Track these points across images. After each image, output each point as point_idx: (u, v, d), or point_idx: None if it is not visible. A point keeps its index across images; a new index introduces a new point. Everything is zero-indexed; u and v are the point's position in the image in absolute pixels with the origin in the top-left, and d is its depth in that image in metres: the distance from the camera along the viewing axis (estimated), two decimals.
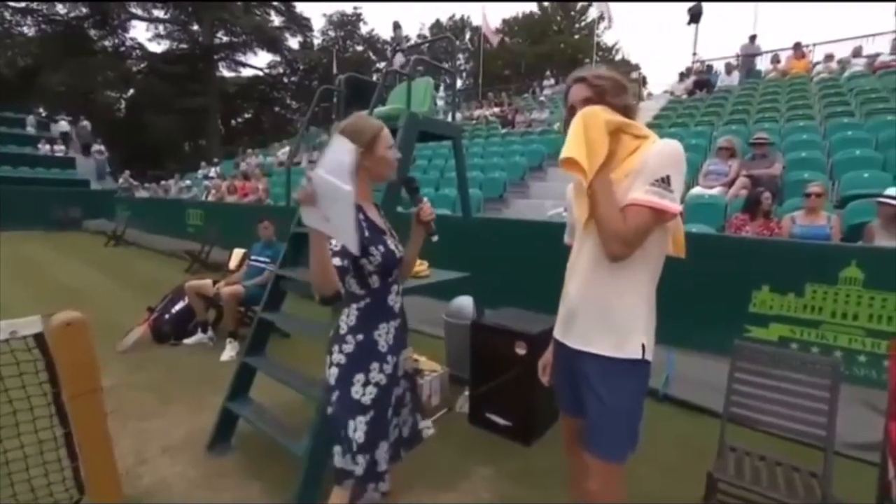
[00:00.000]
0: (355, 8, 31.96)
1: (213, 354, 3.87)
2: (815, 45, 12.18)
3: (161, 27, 26.37)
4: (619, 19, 16.70)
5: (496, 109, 13.15)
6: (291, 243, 2.50)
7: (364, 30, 32.62)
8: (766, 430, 1.94)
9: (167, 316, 4.17)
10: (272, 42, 28.71)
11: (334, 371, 1.39)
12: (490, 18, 17.37)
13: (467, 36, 32.50)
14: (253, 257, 4.33)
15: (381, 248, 1.39)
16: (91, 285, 6.62)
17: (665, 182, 1.18)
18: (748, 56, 11.76)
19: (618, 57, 30.30)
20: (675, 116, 9.31)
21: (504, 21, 31.70)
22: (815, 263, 3.23)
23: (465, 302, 3.26)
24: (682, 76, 11.88)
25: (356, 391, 1.37)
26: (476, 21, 27.11)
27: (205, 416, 2.73)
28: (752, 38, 11.89)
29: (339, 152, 1.12)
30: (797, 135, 6.75)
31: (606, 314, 1.31)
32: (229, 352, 3.82)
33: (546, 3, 32.01)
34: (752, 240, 3.71)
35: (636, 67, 28.24)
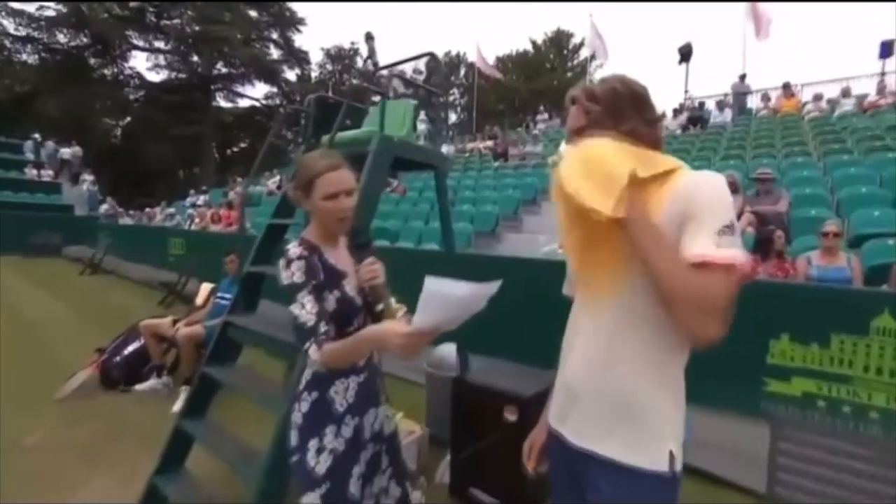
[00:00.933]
0: (353, 43, 32.67)
1: (167, 404, 3.41)
2: (802, 85, 12.39)
3: (161, 57, 26.76)
4: (611, 57, 16.98)
5: (489, 143, 13.09)
6: (245, 285, 2.14)
7: (361, 63, 33.31)
8: None
9: (118, 358, 3.72)
10: (270, 74, 29.19)
11: (293, 434, 1.26)
12: (485, 55, 17.59)
13: (462, 72, 33.21)
14: (219, 294, 3.93)
15: (338, 293, 1.24)
16: (52, 317, 6.17)
17: (730, 229, 0.85)
18: (739, 94, 11.85)
19: None
20: (671, 152, 9.10)
21: (498, 58, 32.49)
22: (840, 310, 2.90)
23: (449, 350, 2.88)
24: (676, 112, 11.92)
25: (311, 459, 1.22)
26: (471, 57, 27.75)
27: (136, 488, 2.29)
28: (742, 76, 12.07)
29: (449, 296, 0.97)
30: (797, 171, 6.60)
31: (620, 404, 0.95)
32: (182, 402, 3.36)
33: (539, 42, 32.92)
34: (766, 283, 3.39)
35: None
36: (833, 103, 10.49)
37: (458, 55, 34.14)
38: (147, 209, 15.31)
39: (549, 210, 8.28)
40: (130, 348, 3.78)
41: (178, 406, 3.32)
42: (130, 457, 2.69)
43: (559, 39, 32.71)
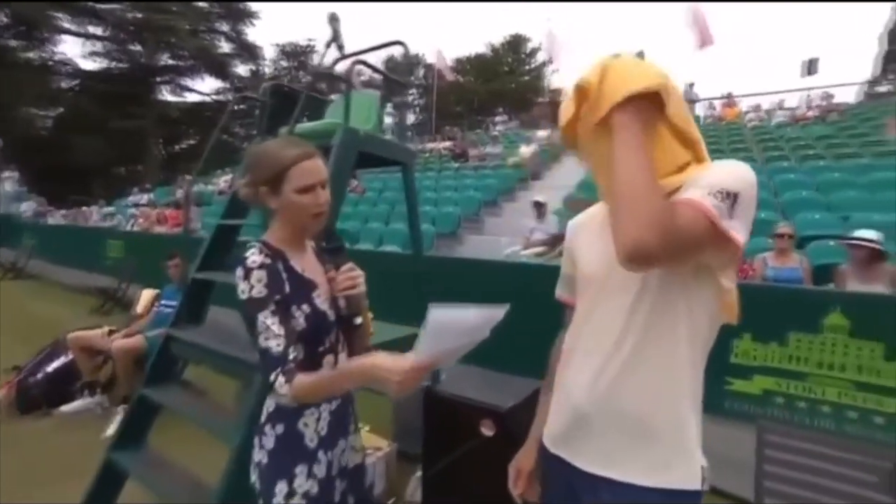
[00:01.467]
0: (309, 40, 31.74)
1: (99, 426, 3.05)
2: (741, 96, 13.22)
3: (98, 44, 24.86)
4: (566, 63, 17.37)
5: (448, 143, 13.03)
6: (191, 293, 1.90)
7: (316, 60, 32.48)
8: None
9: (39, 376, 3.30)
10: (220, 68, 27.83)
11: (256, 476, 1.09)
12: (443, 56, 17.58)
13: (420, 73, 33.06)
14: (163, 302, 3.59)
15: (307, 307, 1.05)
16: None
17: (729, 198, 0.75)
18: (688, 101, 12.43)
19: (565, 99, 31.77)
20: None
21: (456, 60, 32.59)
22: (796, 309, 3.00)
23: None
24: None
25: None
26: (429, 58, 27.67)
27: None
28: (691, 85, 12.64)
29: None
30: None
31: (642, 426, 0.86)
32: (118, 424, 3.01)
33: (497, 45, 33.30)
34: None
35: None
36: (770, 113, 11.27)
37: (416, 56, 33.97)
38: (83, 208, 14.13)
39: (511, 211, 8.30)
40: (55, 364, 3.37)
41: (111, 430, 2.98)
42: (53, 494, 2.34)
43: (516, 43, 33.22)
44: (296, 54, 31.78)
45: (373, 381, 0.91)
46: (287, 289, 1.03)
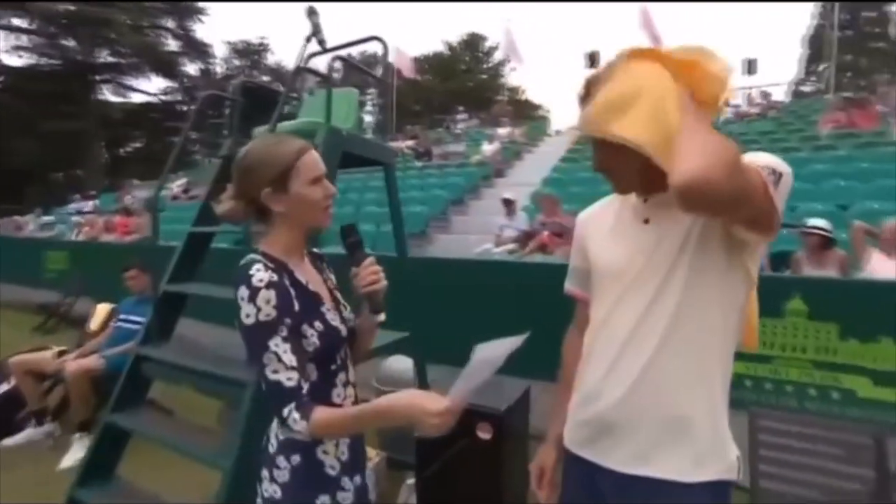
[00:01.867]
0: (261, 38, 30.67)
1: (51, 459, 2.77)
2: None
3: (24, 38, 22.94)
4: (525, 61, 17.65)
5: (410, 142, 12.94)
6: (161, 308, 1.76)
7: (271, 60, 31.46)
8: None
9: None
10: (166, 66, 26.37)
11: None
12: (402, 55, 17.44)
13: (378, 71, 32.68)
14: (122, 317, 3.33)
15: (320, 325, 0.96)
16: None
17: (774, 175, 0.77)
18: None
19: (523, 97, 32.28)
20: (588, 151, 9.71)
21: (414, 59, 32.49)
22: (762, 296, 3.15)
23: (402, 364, 2.66)
24: None
25: None
26: (388, 56, 27.38)
27: None
28: None
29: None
30: None
31: (678, 417, 0.86)
32: (76, 454, 2.72)
33: (455, 44, 33.39)
34: None
35: (539, 107, 30.35)
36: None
37: (374, 55, 33.59)
38: (17, 217, 13.05)
39: (477, 209, 8.33)
40: None
41: (68, 461, 2.72)
42: None
43: (473, 42, 33.43)
44: (248, 53, 30.67)
45: (407, 421, 0.85)
46: (296, 306, 0.93)
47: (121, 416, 1.70)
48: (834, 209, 5.04)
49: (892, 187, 5.27)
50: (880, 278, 3.27)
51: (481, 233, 6.89)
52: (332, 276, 1.14)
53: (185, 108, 28.94)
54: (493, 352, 0.83)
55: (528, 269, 4.09)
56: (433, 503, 2.12)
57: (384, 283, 1.01)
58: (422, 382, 2.46)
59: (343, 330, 1.02)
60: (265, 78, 29.92)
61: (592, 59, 14.94)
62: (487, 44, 32.72)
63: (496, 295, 3.65)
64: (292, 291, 0.94)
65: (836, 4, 15.88)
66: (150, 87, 27.63)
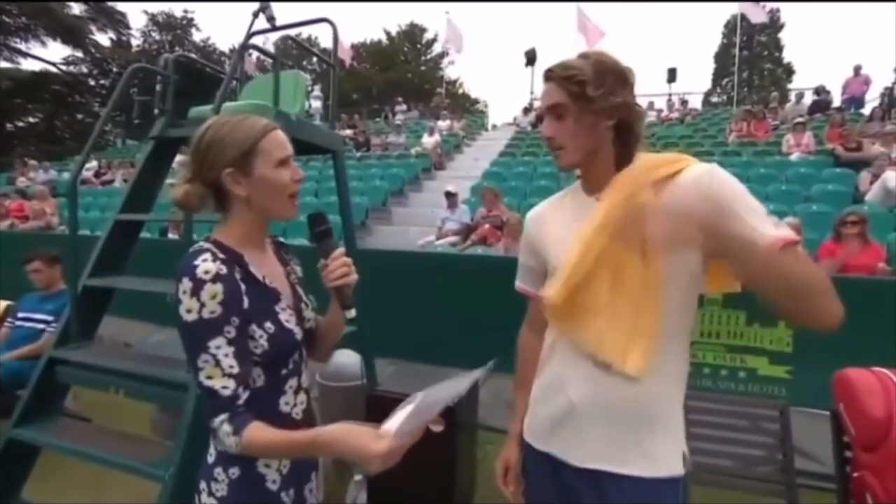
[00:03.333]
0: (186, 11, 28.23)
1: None
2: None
3: None
4: (463, 55, 17.73)
5: (349, 131, 12.60)
6: (82, 305, 1.57)
7: (197, 37, 29.13)
8: (729, 474, 1.76)
9: None
10: (69, 32, 23.42)
11: None
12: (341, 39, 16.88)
13: (314, 58, 31.47)
14: (21, 315, 2.95)
15: (271, 326, 0.88)
16: None
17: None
18: None
19: (461, 91, 32.53)
20: (525, 146, 10.00)
21: (352, 46, 31.62)
22: None
23: (347, 359, 2.60)
24: (526, 110, 13.00)
25: None
26: (324, 42, 26.42)
27: None
28: None
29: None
30: None
31: (642, 421, 0.89)
32: None
33: (394, 33, 32.90)
34: None
35: (477, 101, 30.75)
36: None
37: (309, 38, 32.20)
38: None
39: (418, 202, 8.30)
40: None
41: None
42: None
43: (412, 33, 33.11)
44: (171, 27, 28.14)
45: (349, 459, 0.78)
46: (246, 303, 0.85)
47: (28, 429, 1.50)
48: None
49: (783, 192, 5.99)
50: None
51: (422, 225, 6.89)
52: (298, 269, 1.06)
53: (93, 81, 26.04)
54: (446, 391, 0.81)
55: (471, 262, 4.16)
56: (384, 499, 2.10)
57: (355, 276, 0.94)
58: (370, 378, 2.42)
59: (297, 332, 0.93)
60: (191, 55, 27.67)
61: (531, 57, 15.40)
62: (427, 35, 32.61)
63: (438, 287, 3.67)
64: (242, 287, 0.86)
65: (738, 26, 17.53)
66: (47, 55, 24.34)
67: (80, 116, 26.21)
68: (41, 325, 2.88)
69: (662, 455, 0.89)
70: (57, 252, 3.01)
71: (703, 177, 0.82)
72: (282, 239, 1.09)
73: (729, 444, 1.76)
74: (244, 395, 0.82)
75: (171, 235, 6.03)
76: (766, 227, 0.76)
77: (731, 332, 3.40)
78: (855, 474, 1.20)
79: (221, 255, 0.85)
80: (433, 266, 3.95)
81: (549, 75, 0.93)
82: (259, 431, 0.80)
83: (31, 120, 25.67)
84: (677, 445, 0.91)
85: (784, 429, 1.73)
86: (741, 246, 0.76)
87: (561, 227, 1.00)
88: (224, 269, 0.82)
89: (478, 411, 2.33)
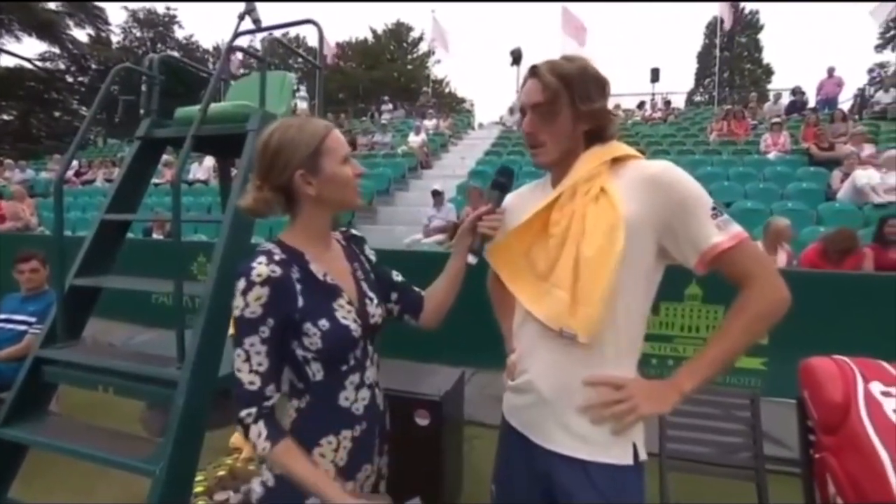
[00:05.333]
0: (168, 8, 27.74)
1: None
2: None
3: None
4: (449, 54, 17.74)
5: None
6: (68, 305, 1.57)
7: (180, 34, 28.66)
8: (704, 462, 1.83)
9: None
10: (44, 27, 22.81)
11: None
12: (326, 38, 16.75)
13: (300, 58, 31.14)
14: (2, 316, 2.91)
15: (326, 323, 0.90)
16: None
17: (720, 209, 0.89)
18: None
19: (447, 90, 32.53)
20: (511, 145, 10.09)
21: (338, 44, 31.39)
22: (665, 282, 3.53)
23: None
24: (512, 110, 13.07)
25: None
26: (311, 41, 26.20)
27: None
28: None
29: None
30: None
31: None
32: None
33: (380, 31, 32.77)
34: None
35: (463, 101, 30.80)
36: (628, 113, 12.89)
37: (295, 38, 31.88)
38: None
39: (404, 201, 8.32)
40: None
41: None
42: None
43: (399, 32, 33.01)
44: (152, 24, 27.62)
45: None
46: (301, 302, 0.89)
47: (14, 429, 1.50)
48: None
49: (761, 189, 6.16)
50: None
51: (409, 223, 6.92)
52: (372, 256, 1.12)
53: (71, 78, 25.41)
54: None
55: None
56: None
57: (497, 236, 1.04)
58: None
59: (355, 329, 0.94)
60: (174, 54, 27.14)
61: (516, 56, 15.48)
62: (413, 34, 32.54)
63: (425, 285, 3.69)
64: (298, 287, 0.90)
65: (719, 27, 17.89)
66: (21, 51, 23.65)
67: (56, 114, 25.56)
68: (23, 327, 2.85)
69: (619, 443, 0.92)
70: (44, 254, 2.98)
71: (661, 173, 0.89)
72: (355, 231, 1.14)
73: (704, 432, 1.83)
74: (274, 396, 0.87)
75: (155, 235, 5.96)
76: (710, 230, 0.86)
77: (711, 326, 3.50)
78: (817, 456, 1.28)
79: (281, 256, 0.90)
80: (419, 264, 3.97)
81: (535, 72, 0.96)
82: (290, 452, 0.87)
83: (6, 118, 25.01)
84: (630, 436, 0.93)
85: (755, 416, 1.81)
86: (691, 247, 0.88)
87: (525, 211, 1.02)
88: (278, 272, 0.87)
89: (464, 407, 2.38)
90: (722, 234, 0.86)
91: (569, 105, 0.93)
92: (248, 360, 0.85)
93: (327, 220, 0.99)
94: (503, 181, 1.07)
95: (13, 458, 1.59)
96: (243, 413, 0.85)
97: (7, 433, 1.49)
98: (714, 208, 0.87)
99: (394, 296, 1.13)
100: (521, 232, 1.00)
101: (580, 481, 0.92)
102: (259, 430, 0.85)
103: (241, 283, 0.85)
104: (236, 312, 0.86)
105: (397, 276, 1.16)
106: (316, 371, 0.92)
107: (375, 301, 1.03)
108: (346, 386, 0.95)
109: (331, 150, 0.93)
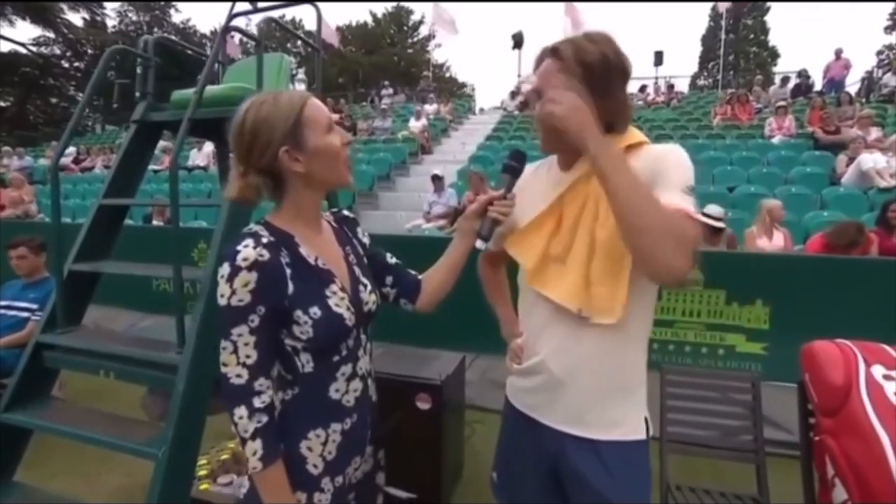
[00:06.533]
0: None
1: None
2: None
3: None
4: (453, 37, 17.42)
5: (336, 116, 12.45)
6: (67, 290, 1.57)
7: (177, 18, 28.24)
8: (704, 444, 1.85)
9: None
10: (39, 11, 22.42)
11: None
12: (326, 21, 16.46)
13: (299, 41, 30.74)
14: (3, 303, 2.91)
15: (317, 311, 0.84)
16: None
17: (693, 191, 0.85)
18: None
19: (447, 75, 32.16)
20: (513, 130, 9.99)
21: (338, 28, 30.92)
22: None
23: None
24: (513, 94, 12.93)
25: None
26: (309, 24, 25.82)
27: None
28: None
29: None
30: None
31: (617, 389, 0.94)
32: None
33: (380, 15, 32.28)
34: None
35: (464, 85, 30.46)
36: (632, 97, 12.71)
37: (293, 21, 31.41)
38: None
39: (405, 186, 8.28)
40: None
41: None
42: None
43: (399, 15, 32.51)
44: (149, 7, 27.18)
45: None
46: (291, 289, 0.82)
47: (17, 414, 1.51)
48: (724, 192, 5.71)
49: (764, 174, 6.11)
50: (758, 252, 3.80)
51: (410, 209, 6.90)
52: (366, 239, 1.07)
53: (67, 63, 25.10)
54: None
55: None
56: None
57: (506, 221, 1.01)
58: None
59: (348, 317, 0.88)
60: (171, 37, 26.72)
61: (518, 41, 15.27)
62: (413, 18, 32.04)
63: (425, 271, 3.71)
64: (288, 271, 0.83)
65: (724, 10, 17.57)
66: (15, 35, 23.28)
67: (53, 100, 25.33)
68: (25, 314, 2.86)
69: (629, 420, 0.95)
70: (43, 240, 2.98)
71: (664, 151, 0.90)
72: (347, 212, 1.09)
73: (705, 415, 1.84)
74: (265, 392, 0.80)
75: (155, 222, 5.96)
76: (676, 195, 0.83)
77: (711, 310, 3.50)
78: (816, 438, 1.28)
79: (269, 238, 0.83)
80: (421, 249, 3.97)
81: (558, 55, 0.91)
82: (274, 483, 0.81)
83: (2, 104, 24.77)
84: (641, 411, 0.97)
85: (755, 399, 1.81)
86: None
87: (538, 197, 1.01)
88: (266, 255, 0.79)
89: (465, 391, 2.39)
90: (684, 203, 0.83)
91: (587, 96, 0.89)
92: (234, 351, 0.79)
93: (318, 201, 0.93)
94: (516, 165, 1.02)
95: (17, 443, 1.60)
96: (236, 413, 0.79)
97: (11, 418, 1.50)
98: (690, 187, 0.85)
99: (389, 279, 1.08)
100: (541, 219, 0.98)
101: (590, 460, 0.93)
102: (255, 448, 0.79)
103: (226, 269, 0.78)
104: (222, 301, 0.79)
105: (392, 259, 1.11)
106: (305, 362, 0.86)
107: (369, 287, 0.98)
108: (337, 377, 0.90)
109: (312, 119, 0.85)
